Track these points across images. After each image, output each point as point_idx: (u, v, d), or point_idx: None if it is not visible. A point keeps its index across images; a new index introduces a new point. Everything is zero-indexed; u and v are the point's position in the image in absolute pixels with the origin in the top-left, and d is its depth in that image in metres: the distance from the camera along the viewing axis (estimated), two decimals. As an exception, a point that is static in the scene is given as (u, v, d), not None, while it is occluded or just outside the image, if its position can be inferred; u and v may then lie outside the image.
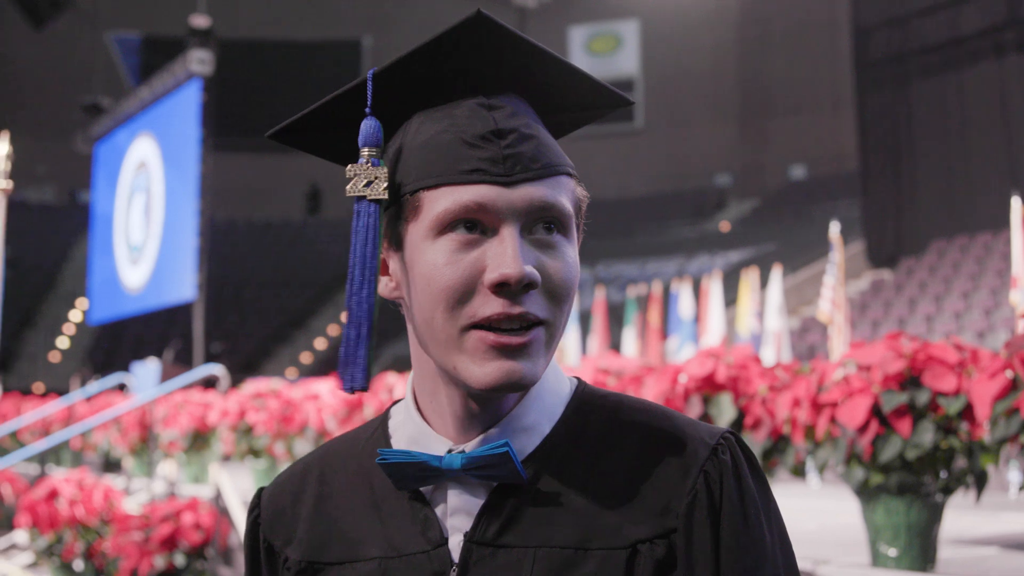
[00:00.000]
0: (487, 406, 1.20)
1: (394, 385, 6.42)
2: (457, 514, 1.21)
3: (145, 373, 14.80)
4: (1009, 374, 3.52)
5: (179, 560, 5.73)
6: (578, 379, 1.31)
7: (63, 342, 33.80)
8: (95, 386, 14.56)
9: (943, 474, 3.84)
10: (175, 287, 18.58)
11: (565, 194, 1.19)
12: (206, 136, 17.78)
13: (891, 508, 3.83)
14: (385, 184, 1.18)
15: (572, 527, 1.18)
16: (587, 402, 1.26)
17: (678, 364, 4.63)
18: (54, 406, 13.23)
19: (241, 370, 33.98)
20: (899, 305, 19.93)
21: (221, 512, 5.65)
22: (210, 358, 17.53)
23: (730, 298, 19.23)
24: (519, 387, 1.15)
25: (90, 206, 24.48)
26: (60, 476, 7.96)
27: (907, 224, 22.63)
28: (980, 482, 3.83)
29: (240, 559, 7.40)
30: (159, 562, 5.67)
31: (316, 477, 1.32)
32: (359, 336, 1.19)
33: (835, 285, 14.32)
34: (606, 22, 42.74)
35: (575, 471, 1.21)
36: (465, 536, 1.20)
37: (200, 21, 17.86)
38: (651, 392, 4.63)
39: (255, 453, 8.23)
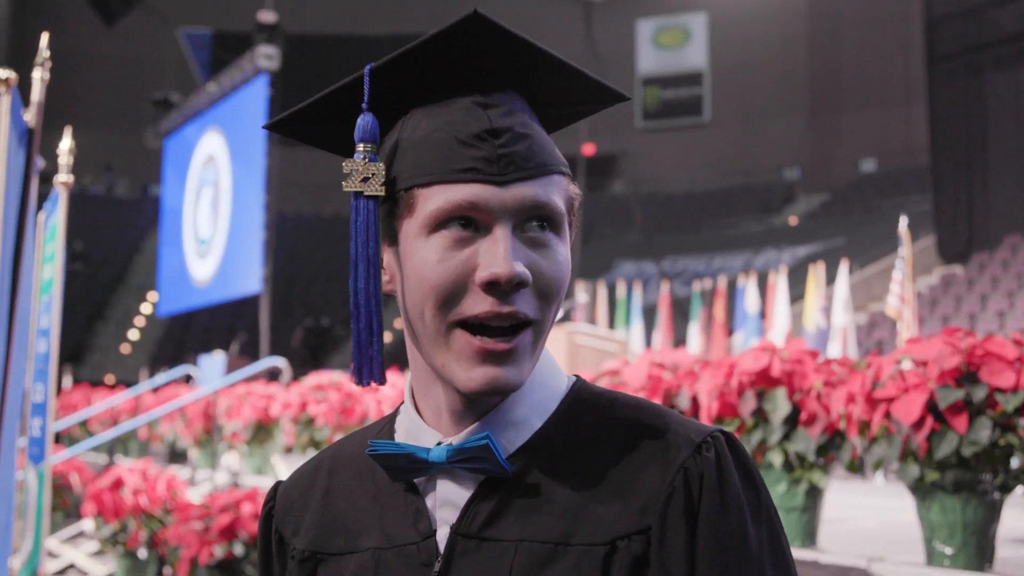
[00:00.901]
0: (477, 401, 1.21)
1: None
2: (445, 506, 1.22)
3: (212, 365, 15.01)
4: (1069, 370, 3.45)
5: (238, 550, 5.79)
6: (577, 377, 1.31)
7: (134, 334, 34.34)
8: (162, 377, 14.78)
9: (1000, 472, 3.77)
10: (242, 280, 18.82)
11: (558, 193, 1.19)
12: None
13: (947, 506, 3.77)
14: (382, 180, 1.19)
15: (555, 522, 1.18)
16: (582, 400, 1.26)
17: (733, 359, 4.59)
18: (122, 397, 13.45)
19: (308, 363, 34.38)
20: (970, 301, 19.60)
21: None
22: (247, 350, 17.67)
23: (796, 293, 19.04)
24: (503, 392, 1.17)
25: (160, 200, 24.83)
26: (126, 466, 8.09)
27: (979, 219, 22.25)
28: (1039, 480, 3.75)
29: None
30: (218, 551, 5.73)
31: (326, 471, 1.35)
32: (370, 331, 1.21)
33: (903, 280, 14.14)
34: (674, 15, 42.51)
35: (563, 467, 1.21)
36: (451, 528, 1.21)
37: (267, 17, 18.04)
38: (706, 387, 4.60)
39: (316, 445, 8.31)
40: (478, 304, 1.14)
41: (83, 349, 32.70)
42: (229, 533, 5.78)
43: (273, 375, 10.17)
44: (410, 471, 1.23)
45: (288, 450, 9.16)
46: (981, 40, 22.26)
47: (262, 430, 9.44)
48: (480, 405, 1.21)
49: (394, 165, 1.21)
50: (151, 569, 7.37)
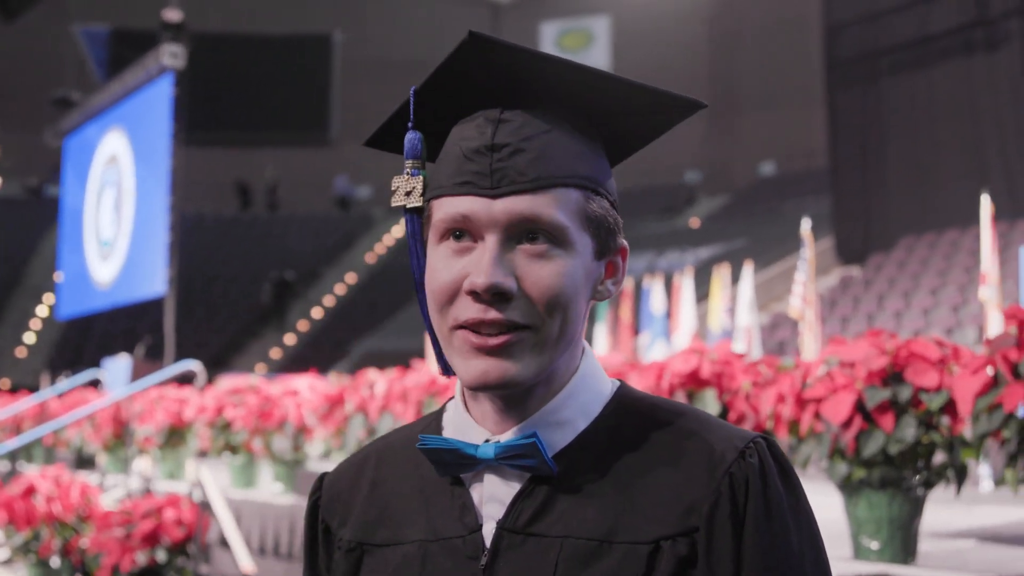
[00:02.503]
0: (518, 401, 1.27)
1: (375, 382, 6.43)
2: (492, 502, 1.27)
3: (117, 369, 14.74)
4: (990, 371, 3.59)
5: (161, 556, 5.73)
6: (621, 381, 1.37)
7: (29, 337, 33.52)
8: (67, 382, 14.48)
9: (924, 468, 3.90)
10: (146, 282, 18.50)
11: (560, 207, 1.23)
12: (177, 130, 17.70)
13: (873, 502, 3.89)
14: (420, 193, 1.27)
15: (599, 520, 1.23)
16: (625, 403, 1.32)
17: (662, 361, 4.68)
18: (26, 403, 13.14)
19: (211, 366, 33.90)
20: (868, 301, 20.08)
21: (203, 508, 5.66)
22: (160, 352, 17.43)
23: (701, 294, 19.32)
24: (503, 386, 1.23)
25: (59, 200, 24.29)
26: (33, 472, 7.92)
27: (876, 221, 22.80)
28: (960, 476, 3.89)
29: (218, 555, 7.40)
30: (141, 558, 5.67)
31: (373, 464, 1.40)
32: (432, 333, 1.30)
33: (806, 281, 14.44)
34: (578, 18, 42.79)
35: (607, 467, 1.26)
36: (497, 523, 1.26)
37: (173, 15, 17.77)
38: (635, 387, 4.67)
39: (233, 449, 8.22)
40: (467, 310, 1.22)
41: (-24, 352, 31.85)
42: (152, 539, 5.72)
43: (186, 379, 10.02)
44: (457, 466, 1.28)
45: (203, 454, 9.05)
46: (878, 46, 22.81)
47: (175, 434, 9.31)
48: (521, 405, 1.27)
49: (431, 176, 1.29)
50: (64, 577, 7.23)
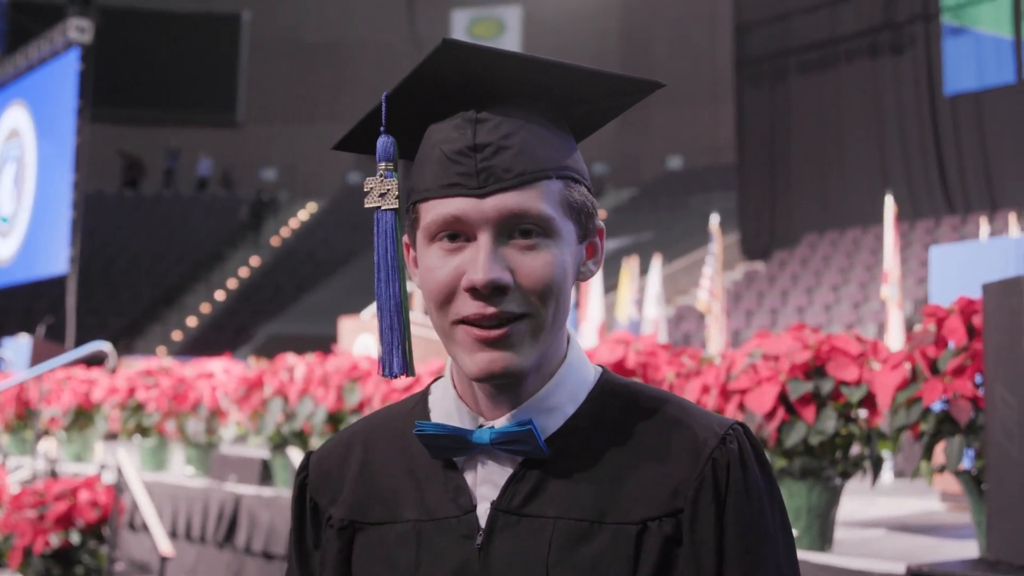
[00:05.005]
0: (511, 388, 1.32)
1: (294, 366, 6.41)
2: (485, 484, 1.32)
3: (16, 348, 14.41)
4: (908, 366, 3.71)
5: (75, 538, 5.65)
6: (603, 368, 1.42)
7: (-79, 314, 32.57)
8: (-35, 361, 14.11)
9: (842, 459, 4.03)
10: (47, 260, 18.11)
11: (545, 199, 1.29)
12: (83, 106, 17.34)
13: (793, 491, 4.00)
14: (396, 194, 1.31)
15: (590, 502, 1.29)
16: (609, 389, 1.38)
17: (588, 350, 4.75)
18: (-77, 380, 12.77)
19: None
20: (772, 296, 20.47)
21: (118, 490, 5.59)
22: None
23: (609, 285, 19.50)
24: (507, 375, 1.28)
25: (-43, 174, 23.61)
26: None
27: (781, 217, 23.23)
28: (876, 467, 4.02)
29: (126, 538, 7.31)
30: (54, 540, 5.58)
31: (361, 444, 1.44)
32: (390, 327, 1.32)
33: (713, 275, 14.68)
34: (489, 7, 42.75)
35: (595, 451, 1.32)
36: (492, 504, 1.31)
37: (81, -11, 17.39)
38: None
39: (144, 431, 8.13)
40: (467, 307, 1.27)
41: None
42: (65, 521, 5.63)
43: (95, 360, 9.85)
44: (452, 450, 1.33)
45: (113, 436, 8.92)
46: (787, 46, 23.23)
47: (82, 416, 9.16)
48: (512, 391, 1.32)
49: (411, 178, 1.34)
50: (-32, 559, 7.09)
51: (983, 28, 20.28)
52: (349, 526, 1.38)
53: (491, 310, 1.26)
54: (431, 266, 1.29)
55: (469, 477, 1.33)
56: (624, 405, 1.36)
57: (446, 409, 1.37)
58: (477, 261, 1.26)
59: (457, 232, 1.28)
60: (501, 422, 1.32)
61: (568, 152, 1.34)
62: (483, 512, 1.31)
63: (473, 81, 1.29)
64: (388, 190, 1.31)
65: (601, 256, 1.41)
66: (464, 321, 1.28)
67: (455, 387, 1.37)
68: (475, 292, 1.26)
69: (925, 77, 20.86)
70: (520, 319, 1.27)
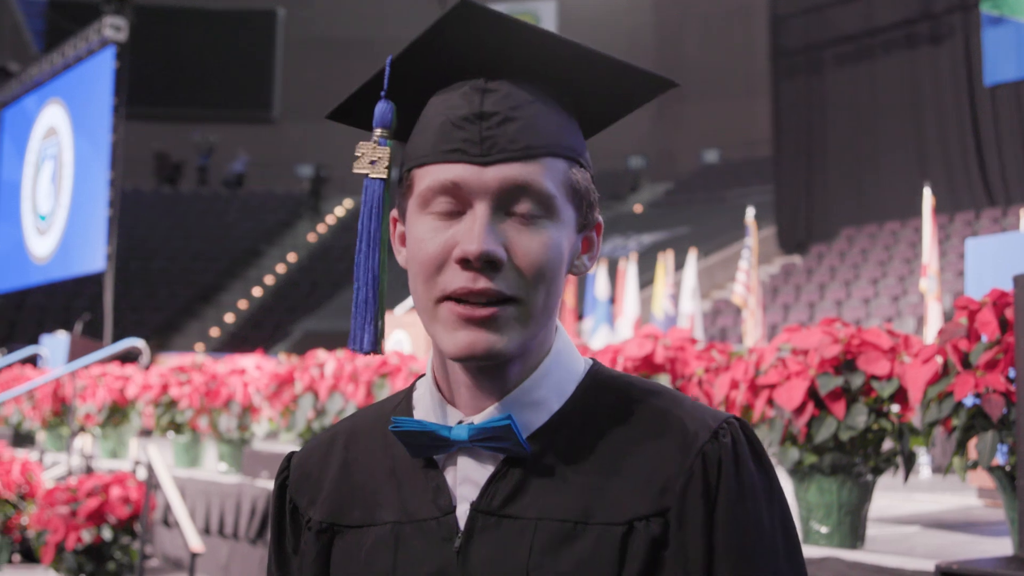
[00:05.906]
0: (493, 380, 1.26)
1: (324, 362, 6.41)
2: (465, 483, 1.26)
3: (55, 345, 14.53)
4: (940, 360, 3.65)
5: (107, 534, 5.67)
6: (594, 360, 1.36)
7: (-37, 312, 32.95)
8: (4, 359, 14.26)
9: (873, 455, 3.97)
10: (85, 257, 18.25)
11: (549, 176, 1.23)
12: (118, 104, 17.46)
13: (824, 487, 3.95)
14: (387, 163, 1.26)
15: (574, 501, 1.23)
16: (599, 382, 1.31)
17: (617, 345, 4.71)
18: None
19: (149, 344, 33.44)
20: (809, 290, 20.31)
21: (149, 486, 5.61)
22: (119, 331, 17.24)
23: (645, 280, 19.42)
24: (489, 357, 1.21)
25: (-5, 173, 23.86)
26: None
27: (818, 211, 23.04)
28: (909, 463, 3.97)
29: (165, 534, 7.35)
30: (86, 536, 5.60)
31: (343, 444, 1.38)
32: (365, 301, 1.27)
33: (749, 269, 14.59)
34: (523, 1, 42.74)
35: (581, 447, 1.26)
36: (471, 505, 1.25)
37: (116, -13, 17.51)
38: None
39: (177, 428, 8.16)
40: (455, 279, 1.20)
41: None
42: (97, 517, 5.66)
43: (130, 356, 9.92)
44: (431, 448, 1.27)
45: (147, 433, 8.97)
46: (823, 38, 23.03)
47: (117, 412, 9.23)
48: (496, 384, 1.26)
49: (407, 146, 1.28)
50: (3, 555, 7.14)
51: (1023, 18, 20.01)
52: (328, 529, 1.33)
53: (481, 284, 1.19)
54: (421, 236, 1.23)
55: (450, 476, 1.27)
56: (614, 399, 1.28)
57: (428, 405, 1.31)
58: (472, 231, 1.19)
59: (453, 201, 1.22)
60: (480, 418, 1.25)
61: (574, 134, 1.29)
62: (463, 513, 1.25)
63: (485, 48, 1.24)
64: (380, 158, 1.25)
65: (597, 252, 1.33)
66: (450, 297, 1.21)
67: (436, 382, 1.30)
68: (466, 264, 1.19)
69: (964, 68, 20.61)
70: (509, 303, 1.20)
